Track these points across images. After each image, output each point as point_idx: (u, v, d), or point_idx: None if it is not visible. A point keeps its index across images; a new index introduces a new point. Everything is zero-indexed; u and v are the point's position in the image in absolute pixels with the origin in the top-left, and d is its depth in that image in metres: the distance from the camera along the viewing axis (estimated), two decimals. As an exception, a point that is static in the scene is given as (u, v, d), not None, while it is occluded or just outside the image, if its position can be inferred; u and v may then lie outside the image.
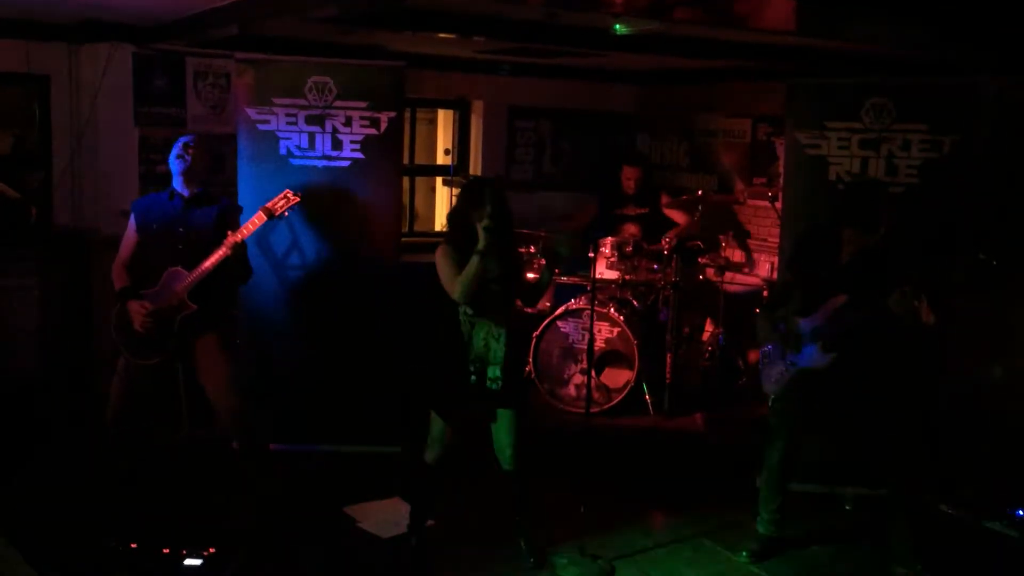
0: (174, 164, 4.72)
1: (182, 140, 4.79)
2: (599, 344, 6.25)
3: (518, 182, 7.89)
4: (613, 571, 4.49)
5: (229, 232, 4.64)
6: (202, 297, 4.65)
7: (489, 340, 4.25)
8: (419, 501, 4.61)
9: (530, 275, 5.95)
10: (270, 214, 4.79)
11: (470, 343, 4.26)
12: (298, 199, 4.88)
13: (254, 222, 4.73)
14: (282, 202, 4.85)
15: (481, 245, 4.08)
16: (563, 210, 7.85)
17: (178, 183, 4.74)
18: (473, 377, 4.26)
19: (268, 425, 5.30)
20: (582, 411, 6.09)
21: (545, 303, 6.65)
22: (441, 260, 4.23)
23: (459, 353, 4.28)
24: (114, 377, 4.81)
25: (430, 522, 4.87)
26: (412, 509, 4.60)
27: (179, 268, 4.63)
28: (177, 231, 4.69)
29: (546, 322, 6.28)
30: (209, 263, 4.60)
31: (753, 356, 6.75)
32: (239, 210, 4.96)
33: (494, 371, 4.25)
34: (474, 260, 4.09)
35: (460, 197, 4.32)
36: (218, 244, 4.66)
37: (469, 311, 4.25)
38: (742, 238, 7.35)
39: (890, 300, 4.07)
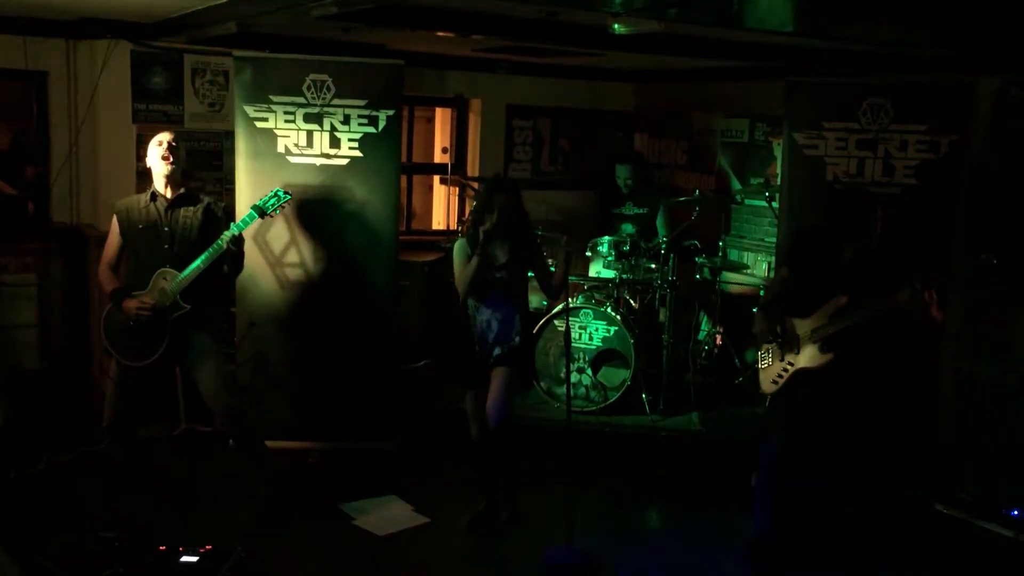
0: (158, 165, 4.67)
1: (166, 139, 4.71)
2: (596, 343, 6.26)
3: (516, 181, 7.89)
4: (606, 566, 4.50)
5: (225, 231, 4.64)
6: (195, 296, 4.64)
7: (492, 321, 4.60)
8: (483, 476, 4.86)
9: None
10: (262, 213, 4.83)
11: (474, 324, 4.62)
12: (290, 196, 4.95)
13: (245, 221, 4.74)
14: (272, 200, 4.88)
15: (480, 248, 4.50)
16: (562, 208, 7.86)
17: (160, 184, 4.70)
18: (478, 355, 4.64)
19: (265, 423, 5.30)
20: (579, 410, 6.11)
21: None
22: (456, 255, 4.65)
23: (466, 334, 4.65)
24: (107, 382, 4.82)
25: (424, 520, 4.89)
26: (482, 485, 4.85)
27: (169, 268, 4.62)
28: (163, 231, 4.67)
29: (543, 321, 6.28)
30: (201, 262, 4.58)
31: (750, 355, 6.76)
32: (218, 204, 4.92)
33: (496, 350, 4.61)
34: (473, 262, 4.51)
35: (478, 197, 4.62)
36: (205, 243, 4.65)
37: (474, 296, 4.63)
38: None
39: (900, 296, 4.08)
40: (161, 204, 4.70)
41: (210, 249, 4.60)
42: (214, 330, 4.84)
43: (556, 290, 4.78)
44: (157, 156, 4.69)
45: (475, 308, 4.63)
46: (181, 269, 4.61)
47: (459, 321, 4.69)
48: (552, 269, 5.00)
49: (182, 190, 4.75)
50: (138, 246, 4.72)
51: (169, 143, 4.70)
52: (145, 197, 4.75)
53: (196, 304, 4.64)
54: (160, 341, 4.65)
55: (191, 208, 4.74)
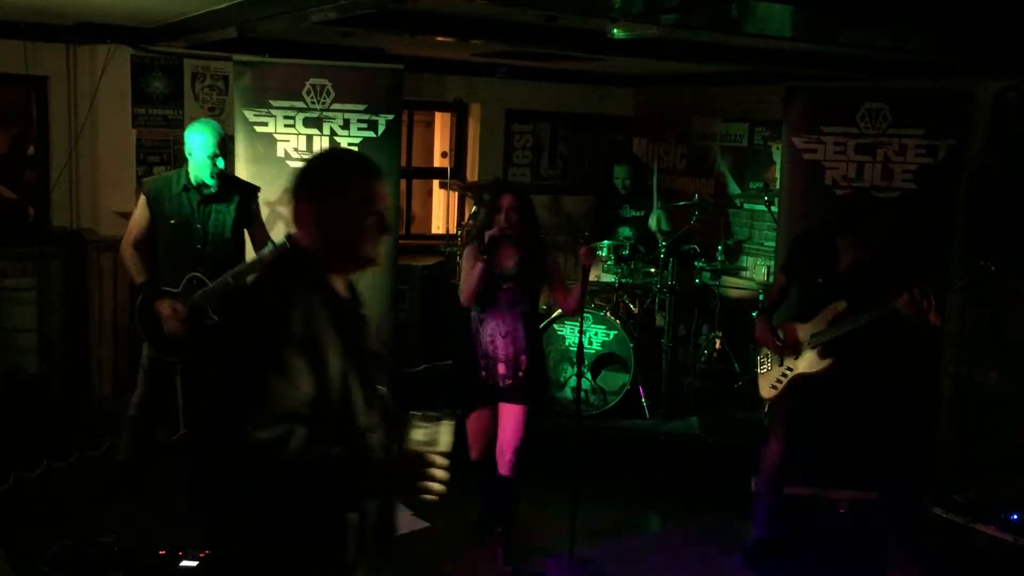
0: (206, 164, 4.46)
1: (211, 145, 4.44)
2: (596, 347, 6.26)
3: (515, 185, 7.92)
4: (604, 574, 4.50)
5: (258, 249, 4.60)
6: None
7: (496, 338, 4.30)
8: (480, 494, 4.65)
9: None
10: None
11: (477, 340, 4.33)
12: None
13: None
14: None
15: (484, 254, 4.19)
16: (561, 212, 7.88)
17: (197, 179, 4.52)
18: (483, 373, 4.34)
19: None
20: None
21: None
22: (463, 262, 4.39)
23: (469, 349, 4.37)
24: (140, 368, 4.82)
25: (423, 525, 4.88)
26: (480, 500, 4.67)
27: (200, 274, 4.54)
28: (195, 228, 4.56)
29: (543, 324, 6.28)
30: (231, 277, 4.51)
31: (749, 359, 6.76)
32: (255, 196, 4.78)
33: (502, 368, 4.32)
34: (477, 267, 4.19)
35: (487, 204, 4.43)
36: (238, 240, 4.61)
37: (478, 309, 4.33)
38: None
39: (899, 302, 4.08)
40: (194, 197, 4.55)
41: (241, 267, 4.55)
42: None
43: (574, 307, 4.39)
44: (204, 154, 4.45)
45: (479, 322, 4.34)
46: (212, 270, 4.54)
47: (463, 338, 4.44)
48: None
49: (218, 185, 4.55)
50: (169, 239, 4.61)
51: (214, 157, 4.45)
52: (177, 184, 4.57)
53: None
54: (187, 343, 4.64)
55: (224, 206, 4.58)
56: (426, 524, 4.90)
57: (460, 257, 5.69)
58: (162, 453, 5.53)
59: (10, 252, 6.13)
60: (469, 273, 4.27)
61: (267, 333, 2.08)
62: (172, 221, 4.57)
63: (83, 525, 4.53)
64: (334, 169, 2.32)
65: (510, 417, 4.37)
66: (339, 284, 2.29)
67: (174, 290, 4.59)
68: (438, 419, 2.25)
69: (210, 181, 4.52)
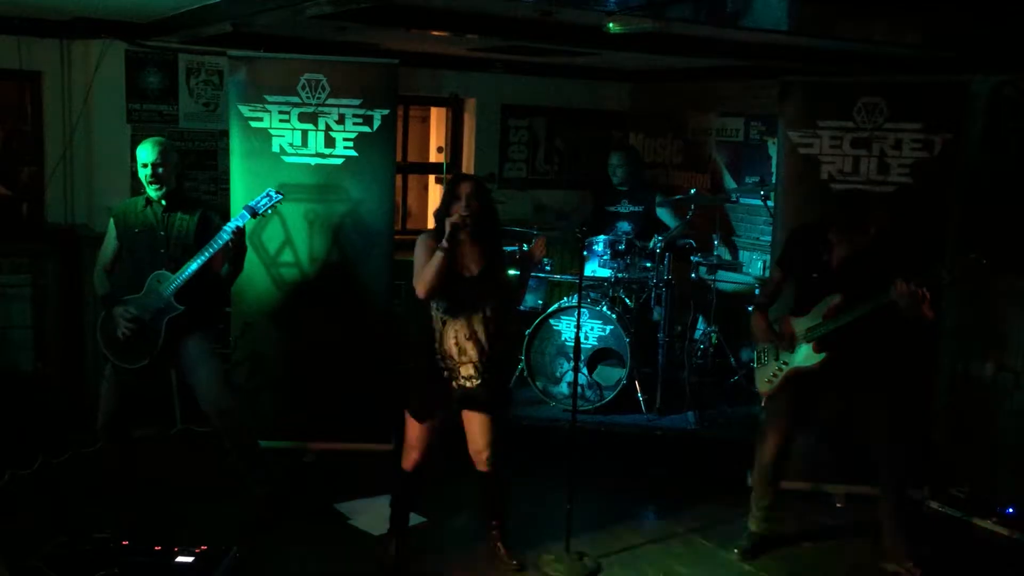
0: (146, 187, 4.61)
1: (151, 162, 4.55)
2: (592, 342, 6.26)
3: (511, 180, 7.91)
4: (600, 568, 4.50)
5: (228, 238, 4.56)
6: (189, 298, 4.59)
7: (460, 339, 4.10)
8: (397, 508, 4.44)
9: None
10: (253, 212, 4.67)
11: (440, 342, 4.14)
12: (282, 196, 4.77)
13: (236, 222, 4.61)
14: (264, 200, 4.71)
15: (445, 241, 3.96)
16: (557, 208, 7.88)
17: (151, 192, 4.64)
18: (444, 374, 4.15)
19: (260, 423, 5.29)
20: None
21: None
22: (416, 252, 4.11)
23: (430, 352, 4.17)
24: (102, 383, 4.75)
25: (420, 520, 4.88)
26: (391, 514, 4.45)
27: (164, 271, 4.57)
28: (159, 235, 4.62)
29: (539, 320, 6.28)
30: (196, 265, 4.52)
31: (745, 354, 6.77)
32: (219, 215, 4.80)
33: (467, 370, 4.12)
34: (437, 255, 3.97)
35: (443, 192, 4.28)
36: (201, 249, 4.62)
37: (441, 308, 4.13)
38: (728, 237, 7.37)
39: (895, 291, 4.08)
40: (157, 208, 4.66)
41: (207, 248, 4.53)
42: (208, 332, 4.81)
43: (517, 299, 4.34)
44: (143, 178, 4.62)
45: (440, 321, 4.11)
46: (175, 272, 4.58)
47: (423, 337, 4.19)
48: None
49: (174, 186, 4.67)
50: (134, 249, 4.67)
51: (154, 166, 4.56)
52: (142, 200, 4.72)
53: (191, 305, 4.60)
54: (154, 345, 4.59)
55: (187, 215, 4.67)
56: (422, 519, 4.91)
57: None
58: (158, 449, 5.54)
59: (4, 248, 6.11)
60: (425, 264, 4.02)
61: None
62: (136, 230, 4.65)
63: (79, 521, 4.53)
64: None
65: (474, 423, 4.24)
66: None
67: (136, 295, 4.58)
68: None
69: (152, 193, 4.60)
